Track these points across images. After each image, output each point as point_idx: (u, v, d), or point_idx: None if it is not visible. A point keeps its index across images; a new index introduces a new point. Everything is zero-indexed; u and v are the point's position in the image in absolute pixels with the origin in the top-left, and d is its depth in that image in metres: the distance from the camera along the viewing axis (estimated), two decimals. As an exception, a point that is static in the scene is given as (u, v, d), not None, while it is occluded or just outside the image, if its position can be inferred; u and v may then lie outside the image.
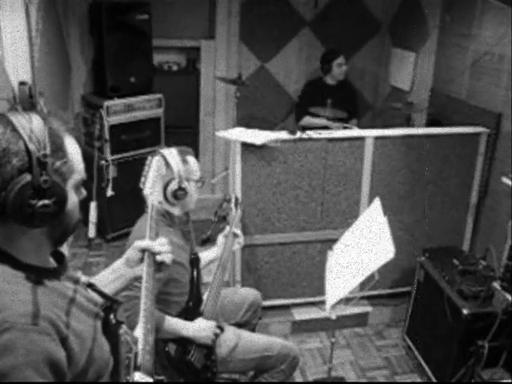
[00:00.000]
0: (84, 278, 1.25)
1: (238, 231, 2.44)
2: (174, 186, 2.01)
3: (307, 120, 4.11)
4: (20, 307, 0.98)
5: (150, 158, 1.55)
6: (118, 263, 1.42)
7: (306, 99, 4.24)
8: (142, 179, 1.50)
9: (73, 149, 1.10)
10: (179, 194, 2.02)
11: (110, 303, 1.27)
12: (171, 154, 2.04)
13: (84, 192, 1.16)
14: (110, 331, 1.22)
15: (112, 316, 1.24)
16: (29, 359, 0.95)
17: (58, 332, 1.01)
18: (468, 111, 3.42)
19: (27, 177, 0.99)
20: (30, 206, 1.00)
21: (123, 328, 1.25)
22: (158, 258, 1.39)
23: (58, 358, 1.00)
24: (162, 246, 1.40)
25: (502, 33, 3.09)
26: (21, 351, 0.95)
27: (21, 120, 1.02)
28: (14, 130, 1.01)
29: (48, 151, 1.01)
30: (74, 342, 1.04)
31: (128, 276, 1.40)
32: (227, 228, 2.43)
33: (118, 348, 1.22)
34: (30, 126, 1.02)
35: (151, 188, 1.49)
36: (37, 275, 1.06)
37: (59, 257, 1.19)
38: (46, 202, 1.01)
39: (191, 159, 2.13)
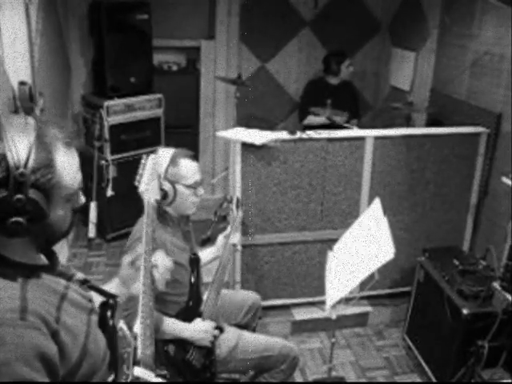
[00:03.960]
0: (79, 275, 1.25)
1: (236, 240, 2.43)
2: None
3: (310, 119, 4.13)
4: (8, 303, 0.99)
5: (145, 156, 1.56)
6: (115, 282, 1.43)
7: (308, 98, 4.27)
8: (138, 177, 1.50)
9: (65, 163, 1.08)
10: None
11: (107, 299, 1.28)
12: (162, 153, 2.04)
13: (81, 201, 1.16)
14: (107, 326, 1.23)
15: (109, 312, 1.25)
16: (19, 354, 0.96)
17: (48, 326, 1.02)
18: (468, 111, 3.42)
19: (3, 192, 0.99)
20: (2, 220, 1.00)
21: (121, 323, 1.25)
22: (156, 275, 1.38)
23: (49, 351, 1.00)
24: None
25: (502, 33, 3.09)
26: (10, 346, 0.96)
27: (11, 131, 1.01)
28: (2, 139, 1.00)
29: (28, 169, 1.00)
30: (65, 336, 1.05)
31: (123, 295, 1.41)
32: (228, 228, 2.42)
33: (115, 343, 1.22)
34: (18, 138, 1.01)
35: (147, 185, 1.49)
36: (26, 272, 1.06)
37: (50, 254, 1.19)
38: (19, 219, 1.01)
39: (185, 163, 2.07)
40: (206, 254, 2.43)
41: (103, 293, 1.29)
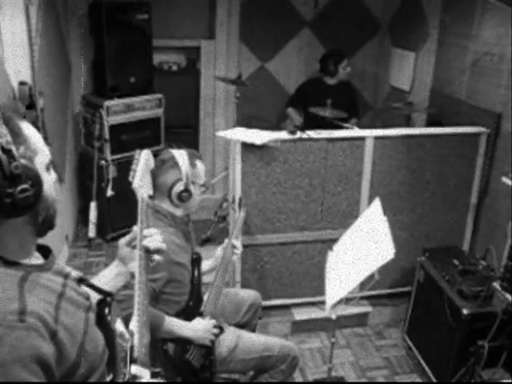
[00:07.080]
0: (75, 273, 1.25)
1: (237, 242, 2.43)
2: (179, 187, 2.04)
3: (290, 112, 4.39)
4: (6, 304, 0.99)
5: (138, 151, 1.56)
6: (115, 262, 1.42)
7: (299, 96, 4.38)
8: (131, 173, 1.50)
9: (31, 132, 1.09)
10: (184, 196, 2.06)
11: (104, 296, 1.28)
12: (181, 155, 2.08)
13: (53, 174, 1.15)
14: (105, 324, 1.23)
15: (106, 309, 1.24)
16: (15, 355, 0.96)
17: (47, 327, 1.01)
18: (468, 111, 3.42)
19: None
20: (8, 196, 0.99)
21: (118, 321, 1.25)
22: (151, 244, 1.38)
23: (46, 353, 1.00)
24: (150, 233, 1.40)
25: (502, 33, 3.09)
26: (8, 348, 0.95)
27: None
28: None
29: (9, 139, 1.00)
30: (63, 336, 1.04)
31: (125, 273, 1.40)
32: (226, 241, 2.41)
33: (114, 340, 1.22)
34: None
35: (141, 181, 1.49)
36: (24, 271, 1.06)
37: (46, 252, 1.19)
38: (24, 186, 1.00)
39: (199, 163, 2.16)
40: (203, 266, 2.41)
41: (100, 290, 1.29)
